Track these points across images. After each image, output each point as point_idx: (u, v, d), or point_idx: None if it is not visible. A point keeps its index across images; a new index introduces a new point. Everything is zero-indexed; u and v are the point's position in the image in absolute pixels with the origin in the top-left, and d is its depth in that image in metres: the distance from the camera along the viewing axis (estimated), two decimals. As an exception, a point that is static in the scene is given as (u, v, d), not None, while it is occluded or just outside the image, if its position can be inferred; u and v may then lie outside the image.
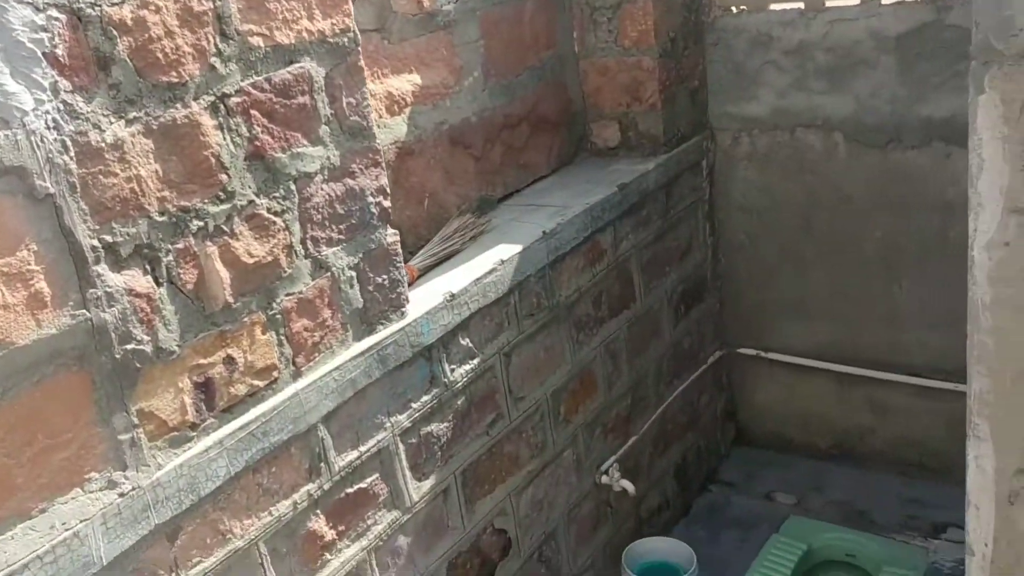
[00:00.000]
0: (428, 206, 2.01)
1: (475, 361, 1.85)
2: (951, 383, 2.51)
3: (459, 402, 1.83)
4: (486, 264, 1.87)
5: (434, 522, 1.80)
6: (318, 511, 1.55)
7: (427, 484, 1.77)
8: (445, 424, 1.80)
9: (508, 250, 1.93)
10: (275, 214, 1.43)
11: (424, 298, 1.75)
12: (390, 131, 1.91)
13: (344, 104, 1.52)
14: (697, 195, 2.62)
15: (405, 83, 1.95)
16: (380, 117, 1.88)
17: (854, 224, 2.54)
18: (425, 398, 1.74)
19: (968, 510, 1.15)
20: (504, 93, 2.21)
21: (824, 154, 2.53)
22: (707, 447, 2.79)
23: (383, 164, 1.61)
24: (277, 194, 1.43)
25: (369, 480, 1.65)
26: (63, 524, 1.18)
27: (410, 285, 1.77)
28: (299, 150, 1.45)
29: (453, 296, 1.77)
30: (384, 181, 1.61)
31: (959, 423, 2.56)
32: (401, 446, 1.70)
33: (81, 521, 1.19)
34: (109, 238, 1.20)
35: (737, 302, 2.77)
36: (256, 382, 1.43)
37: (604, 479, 2.26)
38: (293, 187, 1.45)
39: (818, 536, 2.54)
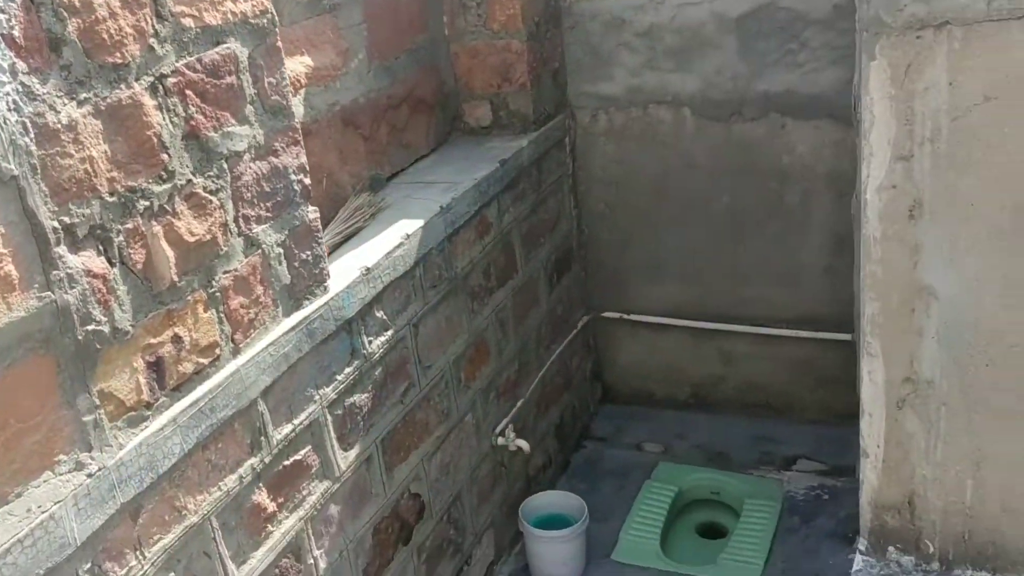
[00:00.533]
0: (326, 186, 2.06)
1: (389, 333, 1.92)
2: (790, 330, 2.81)
3: (377, 373, 1.90)
4: (393, 239, 1.95)
5: (360, 490, 1.86)
6: (260, 484, 1.59)
7: (352, 453, 1.83)
8: (366, 395, 1.86)
9: (411, 225, 2.01)
10: (211, 193, 1.45)
11: (341, 273, 1.80)
12: (289, 112, 1.94)
13: (266, 84, 1.56)
14: (562, 170, 2.78)
15: (299, 65, 1.98)
16: (279, 99, 1.91)
17: (702, 191, 2.78)
18: (348, 370, 1.80)
19: (863, 419, 1.35)
20: (387, 75, 2.28)
21: (674, 128, 2.75)
22: (580, 406, 2.98)
23: (302, 142, 1.66)
24: (211, 173, 1.45)
25: (303, 452, 1.69)
26: (39, 507, 1.18)
27: (325, 261, 1.82)
28: (229, 129, 1.48)
29: (368, 270, 1.83)
30: (304, 159, 1.66)
31: (798, 367, 2.87)
32: (329, 418, 1.76)
33: (55, 503, 1.19)
34: (67, 219, 1.20)
35: (600, 269, 2.96)
36: (201, 360, 1.45)
37: (500, 440, 2.38)
38: (225, 166, 1.47)
39: (686, 479, 2.78)
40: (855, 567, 1.40)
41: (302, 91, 1.99)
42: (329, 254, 1.91)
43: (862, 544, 1.40)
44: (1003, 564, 1.29)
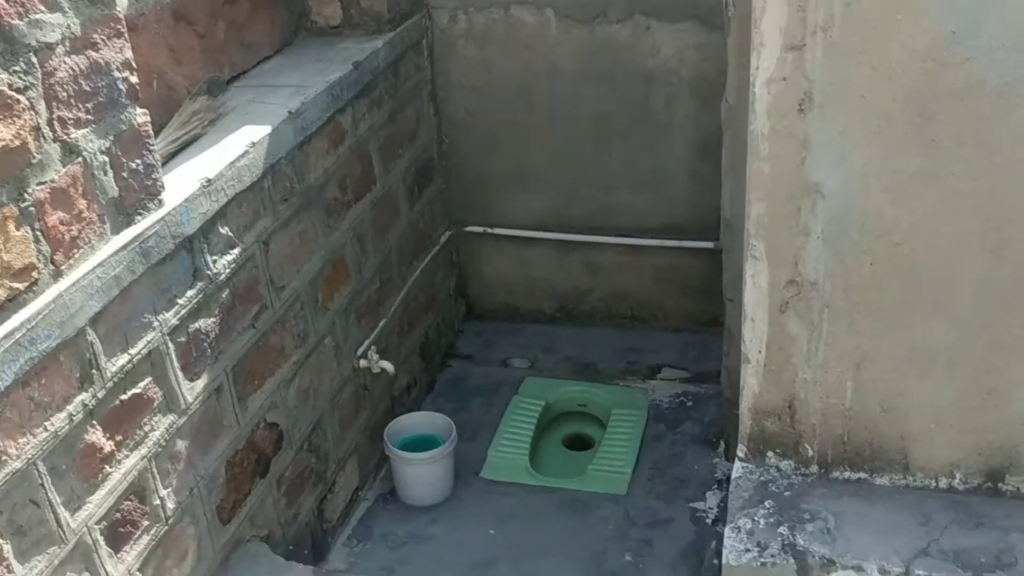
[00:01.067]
0: (158, 88, 1.83)
1: (236, 251, 1.75)
2: (655, 240, 2.78)
3: (224, 295, 1.73)
4: (237, 147, 1.76)
5: (209, 422, 1.71)
6: (94, 422, 1.42)
7: (200, 384, 1.67)
8: (212, 320, 1.70)
9: (256, 132, 1.82)
10: (18, 91, 1.24)
11: (178, 186, 1.61)
12: (109, 2, 1.70)
13: (77, -37, 1.34)
14: (420, 75, 2.61)
15: (118, -52, 1.73)
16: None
17: (567, 97, 2.68)
18: (190, 293, 1.63)
19: (744, 324, 1.31)
20: (222, -36, 2.04)
21: (537, 30, 2.62)
22: (445, 324, 2.88)
23: (126, 35, 1.44)
24: (17, 68, 1.24)
25: (142, 384, 1.53)
26: None
27: (160, 172, 1.62)
28: (37, 16, 1.26)
29: (209, 181, 1.65)
30: (129, 54, 1.45)
31: (663, 276, 2.86)
32: (171, 346, 1.59)
33: None
34: None
35: (462, 180, 2.84)
36: (16, 284, 1.26)
37: (363, 363, 2.26)
38: (34, 60, 1.26)
39: (553, 392, 2.75)
40: (734, 473, 1.38)
41: (124, -22, 1.74)
42: (163, 164, 1.71)
43: (740, 450, 1.37)
44: (880, 464, 1.29)
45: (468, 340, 2.98)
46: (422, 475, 2.33)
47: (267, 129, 1.84)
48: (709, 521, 2.26)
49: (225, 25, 2.07)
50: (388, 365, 2.27)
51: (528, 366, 2.87)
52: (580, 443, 2.70)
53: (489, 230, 2.88)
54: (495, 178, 2.82)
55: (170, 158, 1.73)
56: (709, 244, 2.72)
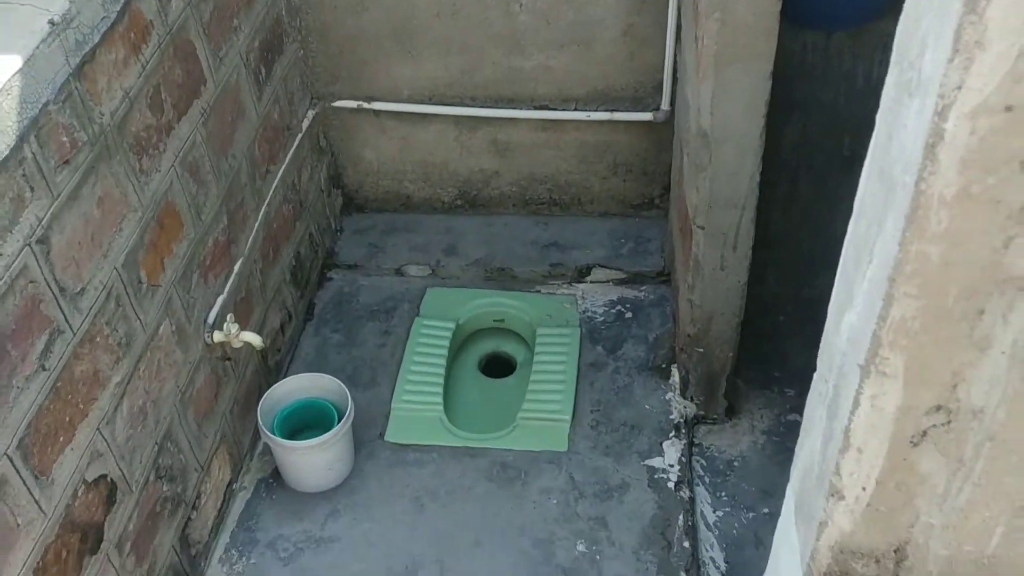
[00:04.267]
0: None
1: (-9, 274, 1.11)
2: (580, 112, 2.20)
3: (-18, 347, 1.11)
4: (-37, 107, 1.07)
5: (-5, 533, 1.15)
6: None
7: (-35, 490, 1.09)
8: (-32, 392, 1.09)
9: (1, 71, 1.13)
10: None
11: None
12: None
13: None
14: (253, -97, 1.85)
15: None
16: None
17: (460, -74, 1.98)
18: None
19: (846, 453, 0.84)
20: None
21: None
22: (318, 229, 2.27)
23: None
24: None
25: None
26: None
27: None
28: None
29: (-82, 188, 0.98)
30: None
31: (588, 153, 2.30)
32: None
33: None
34: None
35: (325, 41, 2.14)
36: None
37: (218, 335, 1.68)
38: None
39: (462, 308, 2.24)
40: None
41: None
42: None
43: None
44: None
45: (350, 242, 2.38)
46: (312, 463, 1.83)
47: (17, 62, 1.14)
48: (671, 485, 1.87)
49: None
50: (254, 338, 1.69)
51: (428, 273, 2.33)
52: (500, 366, 2.24)
53: (366, 105, 2.22)
54: (371, 37, 2.13)
55: None
56: (647, 116, 2.16)
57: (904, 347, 0.73)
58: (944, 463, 0.80)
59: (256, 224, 1.89)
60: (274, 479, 1.90)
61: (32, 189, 1.18)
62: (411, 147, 2.31)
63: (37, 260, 1.20)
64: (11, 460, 1.16)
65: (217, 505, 1.77)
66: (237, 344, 1.70)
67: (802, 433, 0.96)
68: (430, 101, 2.21)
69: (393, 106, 2.22)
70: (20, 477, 1.18)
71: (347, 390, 1.84)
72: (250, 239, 1.86)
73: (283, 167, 2.02)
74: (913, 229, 0.65)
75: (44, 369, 1.22)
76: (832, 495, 0.86)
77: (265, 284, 1.95)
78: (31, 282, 1.19)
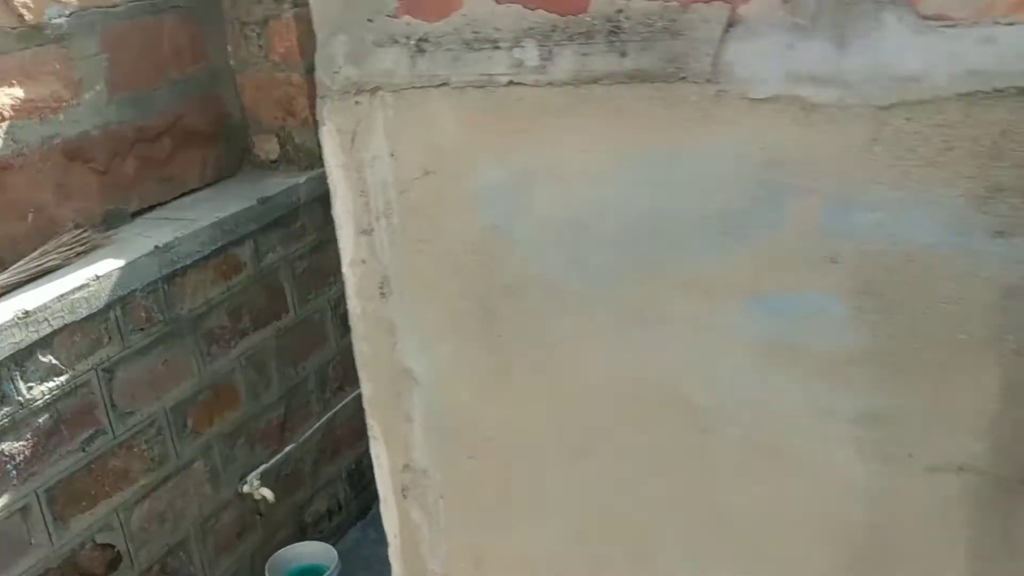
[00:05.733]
0: (34, 221, 2.00)
1: (63, 378, 1.85)
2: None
3: (41, 420, 1.82)
4: (77, 280, 1.88)
5: (11, 540, 1.79)
6: None
7: None
8: (21, 442, 1.79)
9: (109, 265, 1.94)
10: None
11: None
12: (-20, 145, 1.89)
13: None
14: (366, 207, 2.68)
15: (2, 96, 1.93)
16: (-35, 131, 1.86)
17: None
18: (-7, 416, 1.73)
19: (382, 503, 1.24)
20: (136, 106, 2.21)
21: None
22: (390, 451, 2.86)
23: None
24: None
25: (-82, 501, 1.63)
26: None
27: (-20, 303, 1.76)
28: None
29: (27, 313, 1.76)
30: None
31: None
32: (-38, 465, 1.69)
33: None
34: None
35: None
36: None
37: (246, 488, 2.29)
38: None
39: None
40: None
41: (3, 124, 1.93)
42: (5, 293, 1.85)
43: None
44: None
45: (420, 470, 2.93)
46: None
47: (121, 263, 1.95)
48: None
49: (137, 163, 2.23)
50: (267, 492, 2.29)
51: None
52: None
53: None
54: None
55: (13, 288, 1.87)
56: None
57: (377, 418, 1.15)
58: (423, 515, 1.15)
59: (316, 424, 2.53)
60: (278, 625, 2.39)
61: (109, 338, 1.94)
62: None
63: (99, 381, 1.93)
64: (38, 497, 1.83)
65: (220, 626, 2.29)
66: (257, 497, 2.29)
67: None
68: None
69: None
70: (41, 512, 1.84)
71: (336, 555, 2.33)
72: (307, 433, 2.50)
73: (356, 392, 2.68)
74: (354, 334, 1.13)
75: (84, 451, 1.91)
76: (389, 543, 1.23)
77: (316, 472, 2.56)
78: (91, 393, 1.92)
